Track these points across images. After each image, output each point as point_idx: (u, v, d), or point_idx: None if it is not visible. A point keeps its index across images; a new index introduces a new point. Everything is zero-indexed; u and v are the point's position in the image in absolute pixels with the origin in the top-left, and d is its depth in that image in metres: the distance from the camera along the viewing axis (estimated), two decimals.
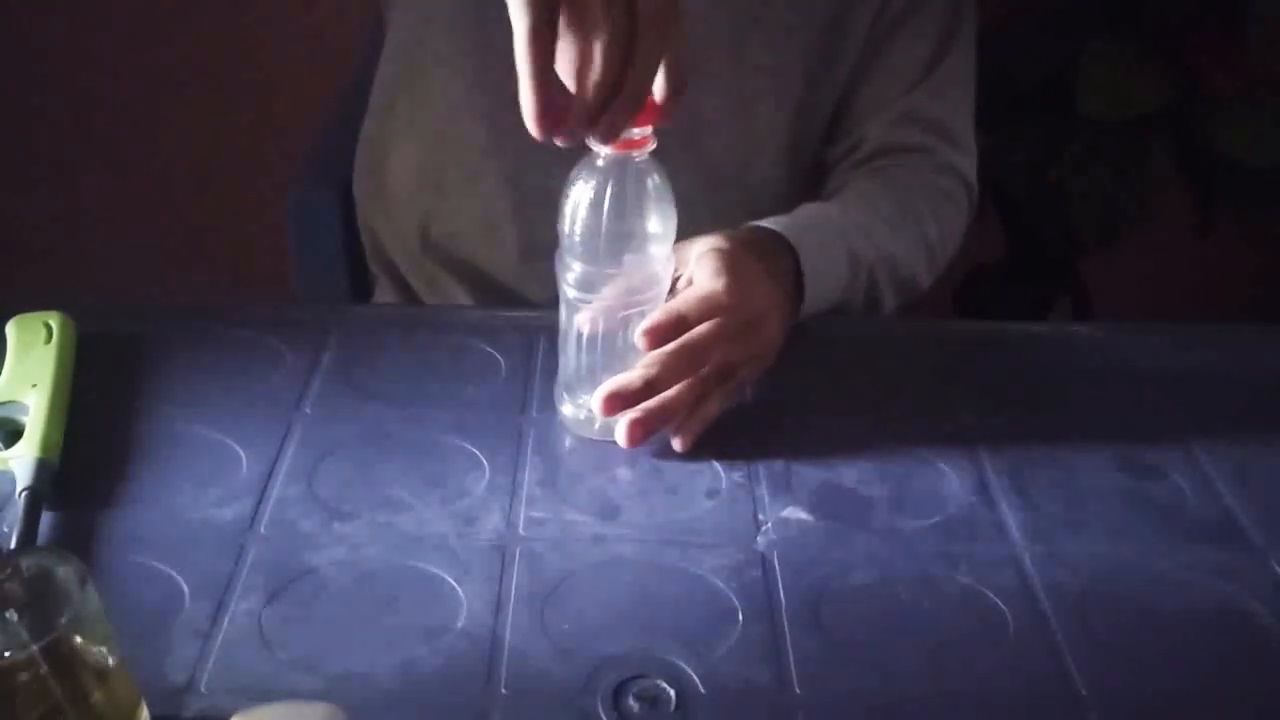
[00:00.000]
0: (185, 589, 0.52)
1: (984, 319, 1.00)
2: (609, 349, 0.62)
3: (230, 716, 0.43)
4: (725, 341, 0.61)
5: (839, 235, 0.74)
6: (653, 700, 0.48)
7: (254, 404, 0.65)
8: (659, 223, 0.59)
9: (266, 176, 1.14)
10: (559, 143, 0.52)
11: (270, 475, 0.59)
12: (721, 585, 0.54)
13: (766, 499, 0.59)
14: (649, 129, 0.55)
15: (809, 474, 0.61)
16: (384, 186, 0.91)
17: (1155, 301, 1.61)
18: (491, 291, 0.89)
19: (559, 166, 0.59)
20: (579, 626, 0.51)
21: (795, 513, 0.58)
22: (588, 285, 0.60)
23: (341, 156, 0.94)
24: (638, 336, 0.60)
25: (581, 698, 0.47)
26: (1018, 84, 1.31)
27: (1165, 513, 0.60)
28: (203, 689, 0.47)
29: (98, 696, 0.41)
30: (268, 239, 1.11)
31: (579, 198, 0.58)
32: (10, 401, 0.60)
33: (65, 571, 0.40)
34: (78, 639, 0.40)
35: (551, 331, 0.65)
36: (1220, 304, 1.68)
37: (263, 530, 0.56)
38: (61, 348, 0.65)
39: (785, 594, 0.53)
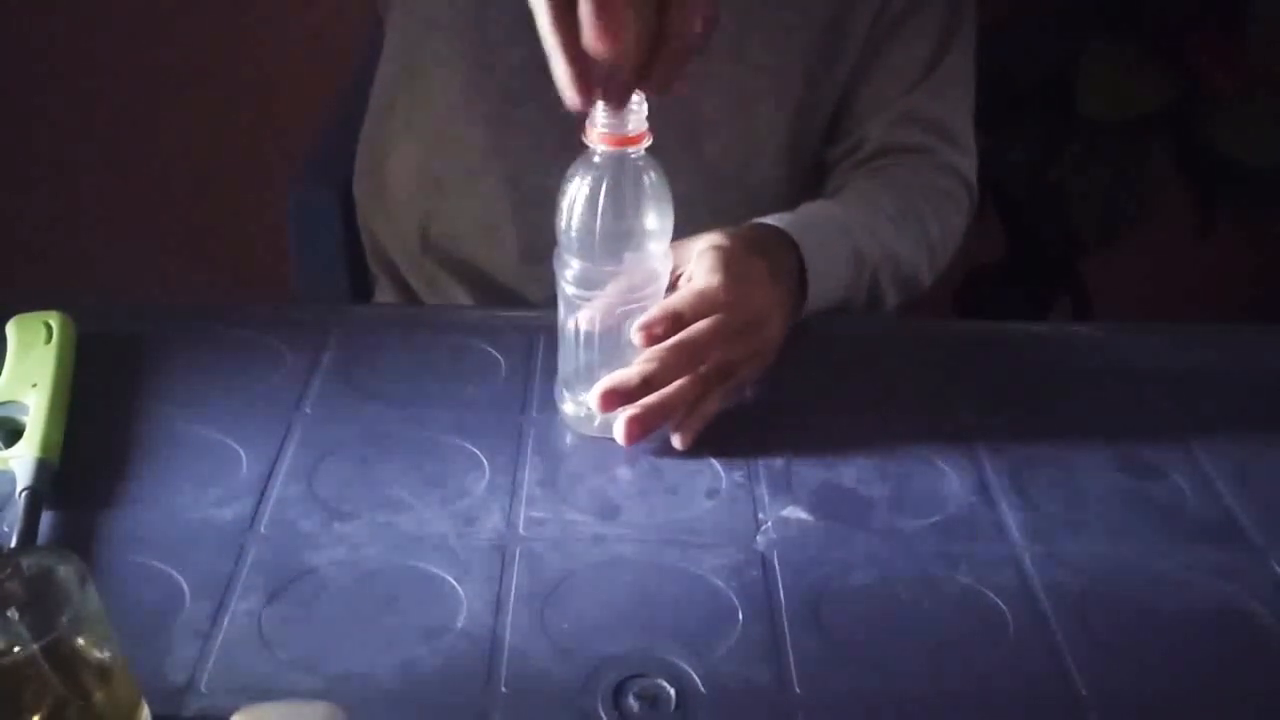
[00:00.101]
0: (185, 589, 0.52)
1: (984, 319, 1.00)
2: (608, 346, 0.62)
3: (230, 716, 0.43)
4: (724, 339, 0.61)
5: (842, 233, 0.74)
6: (653, 700, 0.48)
7: (254, 404, 0.65)
8: (656, 219, 0.59)
9: (266, 176, 1.14)
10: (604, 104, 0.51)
11: (270, 475, 0.59)
12: (721, 585, 0.54)
13: (766, 499, 0.59)
14: (645, 126, 0.56)
15: (809, 474, 0.61)
16: (384, 187, 0.91)
17: (1155, 301, 1.61)
18: (491, 292, 0.89)
19: (559, 167, 0.59)
20: (579, 626, 0.51)
21: (795, 513, 0.58)
22: (586, 282, 0.60)
23: (341, 156, 0.94)
24: (633, 332, 0.60)
25: (581, 698, 0.47)
26: (1018, 84, 1.31)
27: (1165, 513, 0.60)
28: (203, 689, 0.47)
29: (98, 696, 0.41)
30: (268, 239, 1.11)
31: (576, 195, 0.58)
32: (10, 401, 0.60)
33: (65, 571, 0.40)
34: (78, 639, 0.40)
35: (551, 331, 0.65)
36: (1220, 304, 1.68)
37: (263, 530, 0.56)
38: (61, 348, 0.65)
39: (785, 594, 0.53)
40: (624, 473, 0.61)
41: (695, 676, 0.49)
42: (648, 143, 0.56)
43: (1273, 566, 0.56)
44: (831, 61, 0.83)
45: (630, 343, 0.61)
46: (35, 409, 0.60)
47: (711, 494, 0.60)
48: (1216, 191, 1.41)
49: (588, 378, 0.62)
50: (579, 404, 0.63)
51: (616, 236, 0.58)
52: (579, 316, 0.61)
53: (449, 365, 0.69)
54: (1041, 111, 1.34)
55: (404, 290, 0.94)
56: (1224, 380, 0.71)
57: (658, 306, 0.61)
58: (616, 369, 0.60)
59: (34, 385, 0.61)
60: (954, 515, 0.59)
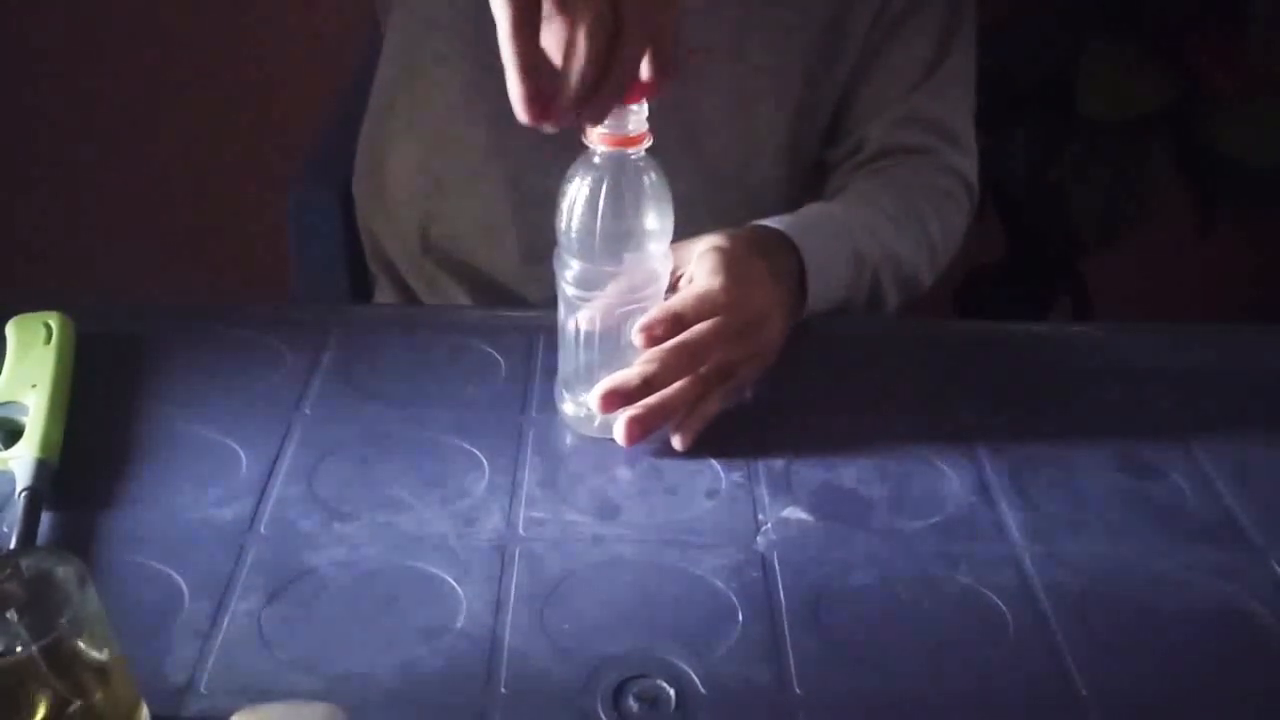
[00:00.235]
0: (185, 589, 0.52)
1: (984, 319, 0.99)
2: (608, 347, 0.62)
3: (230, 716, 0.43)
4: (724, 340, 0.61)
5: (842, 234, 0.74)
6: (653, 700, 0.48)
7: (254, 404, 0.65)
8: (656, 220, 0.59)
9: (266, 176, 1.14)
10: (548, 129, 0.52)
11: (270, 475, 0.59)
12: (721, 585, 0.54)
13: (766, 499, 0.59)
14: (644, 124, 0.56)
15: (809, 474, 0.61)
16: (384, 187, 0.91)
17: (1155, 301, 1.61)
18: (492, 292, 0.89)
19: (559, 167, 0.59)
20: (579, 626, 0.51)
21: (795, 513, 0.58)
22: (586, 283, 0.60)
23: (341, 156, 0.94)
24: (634, 333, 0.60)
25: (581, 698, 0.47)
26: (1018, 84, 1.31)
27: (1165, 513, 0.60)
28: (203, 689, 0.47)
29: (98, 696, 0.41)
30: (268, 239, 1.11)
31: (576, 195, 0.58)
32: (10, 401, 0.60)
33: (65, 572, 0.40)
34: (77, 639, 0.40)
35: (551, 331, 0.65)
36: (1220, 304, 1.68)
37: (263, 530, 0.56)
38: (61, 348, 0.65)
39: (785, 594, 0.53)
40: (624, 473, 0.61)
41: (695, 677, 0.49)
42: (648, 143, 0.56)
43: (1273, 566, 0.56)
44: (831, 62, 0.83)
45: (630, 343, 0.61)
46: (35, 409, 0.60)
47: (711, 494, 0.60)
48: (1216, 191, 1.41)
49: (588, 378, 0.62)
50: (579, 404, 0.63)
51: (616, 237, 0.58)
52: (579, 317, 0.61)
53: (449, 365, 0.69)
54: (1041, 111, 1.34)
55: (404, 291, 0.94)
56: (1224, 380, 0.71)
57: (658, 307, 0.61)
58: (616, 369, 0.60)
59: (34, 385, 0.61)
60: (954, 515, 0.59)
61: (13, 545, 0.52)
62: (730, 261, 0.64)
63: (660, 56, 0.53)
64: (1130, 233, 1.34)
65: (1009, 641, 0.51)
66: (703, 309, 0.61)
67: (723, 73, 0.81)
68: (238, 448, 0.61)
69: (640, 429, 0.60)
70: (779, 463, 0.62)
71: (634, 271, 0.60)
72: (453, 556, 0.54)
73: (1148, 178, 1.32)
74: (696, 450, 0.62)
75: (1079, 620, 0.52)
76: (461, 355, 0.70)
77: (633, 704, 0.47)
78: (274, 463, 0.60)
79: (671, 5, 0.52)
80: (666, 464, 0.62)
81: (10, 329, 0.66)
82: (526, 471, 0.60)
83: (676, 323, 0.60)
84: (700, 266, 0.64)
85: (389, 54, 0.88)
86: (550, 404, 0.65)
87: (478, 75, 0.81)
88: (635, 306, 0.60)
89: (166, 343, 0.70)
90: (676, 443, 0.62)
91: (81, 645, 0.40)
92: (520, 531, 0.56)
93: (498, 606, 0.52)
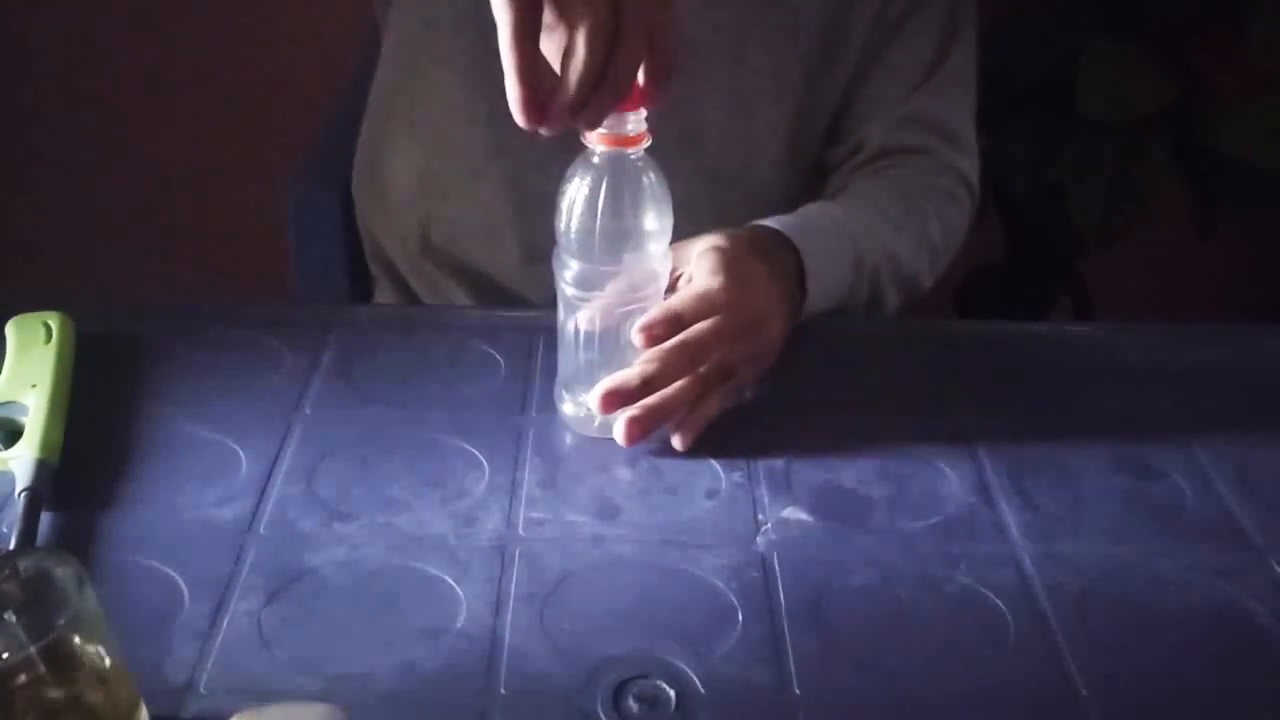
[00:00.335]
0: (185, 589, 0.52)
1: (984, 319, 1.00)
2: (607, 346, 0.62)
3: (230, 716, 0.43)
4: (724, 340, 0.61)
5: (842, 235, 0.74)
6: (653, 700, 0.48)
7: (254, 404, 0.65)
8: (655, 220, 0.59)
9: (266, 176, 1.14)
10: (545, 133, 0.52)
11: (270, 475, 0.59)
12: (721, 585, 0.54)
13: (766, 499, 0.59)
14: (643, 125, 0.56)
15: (809, 474, 0.61)
16: (383, 190, 0.91)
17: (1155, 301, 1.61)
18: (492, 293, 0.89)
19: (559, 169, 0.59)
20: (579, 627, 0.51)
21: (795, 513, 0.58)
22: (585, 283, 0.60)
23: (341, 156, 0.94)
24: (634, 333, 0.60)
25: (581, 698, 0.47)
26: (1018, 84, 1.31)
27: (1165, 513, 0.60)
28: (202, 689, 0.47)
29: (97, 697, 0.41)
30: (268, 239, 1.11)
31: (576, 196, 0.58)
32: (10, 401, 0.60)
33: (63, 572, 0.40)
34: (76, 640, 0.40)
35: (551, 331, 0.65)
36: (1220, 304, 1.68)
37: (263, 530, 0.56)
38: (61, 348, 0.65)
39: (785, 594, 0.53)
40: (624, 473, 0.61)
41: (695, 677, 0.49)
42: (647, 143, 0.56)
43: (1273, 566, 0.56)
44: (832, 62, 0.83)
45: (630, 343, 0.61)
46: (35, 409, 0.60)
47: (711, 494, 0.60)
48: (1216, 191, 1.41)
49: (588, 378, 0.62)
50: (579, 404, 0.63)
51: (616, 237, 0.58)
52: (579, 317, 0.61)
53: (449, 365, 0.69)
54: (1041, 111, 1.34)
55: (404, 291, 0.94)
56: (1224, 380, 0.71)
57: (658, 307, 0.61)
58: (616, 369, 0.60)
59: (34, 385, 0.61)
60: (954, 515, 0.59)
61: (12, 545, 0.52)
62: (730, 261, 0.64)
63: (658, 63, 0.53)
64: (1130, 233, 1.34)
65: (1009, 641, 0.51)
66: (702, 309, 0.61)
67: (723, 73, 0.81)
68: (238, 448, 0.61)
69: (640, 429, 0.60)
70: (779, 463, 0.62)
71: (633, 271, 0.60)
72: (453, 556, 0.54)
73: (1148, 178, 1.32)
74: (696, 450, 0.62)
75: (1079, 620, 0.52)
76: (461, 355, 0.70)
77: (633, 704, 0.47)
78: (274, 463, 0.60)
79: (668, 11, 0.52)
80: (666, 464, 0.62)
81: (10, 329, 0.66)
82: (526, 471, 0.60)
83: (676, 323, 0.60)
84: (700, 266, 0.64)
85: (388, 54, 0.88)
86: (550, 404, 0.65)
87: (477, 75, 0.81)
88: (635, 306, 0.60)
89: (166, 343, 0.70)
90: (676, 443, 0.62)
91: (80, 646, 0.40)
92: (520, 531, 0.56)
93: (498, 606, 0.52)
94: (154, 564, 0.53)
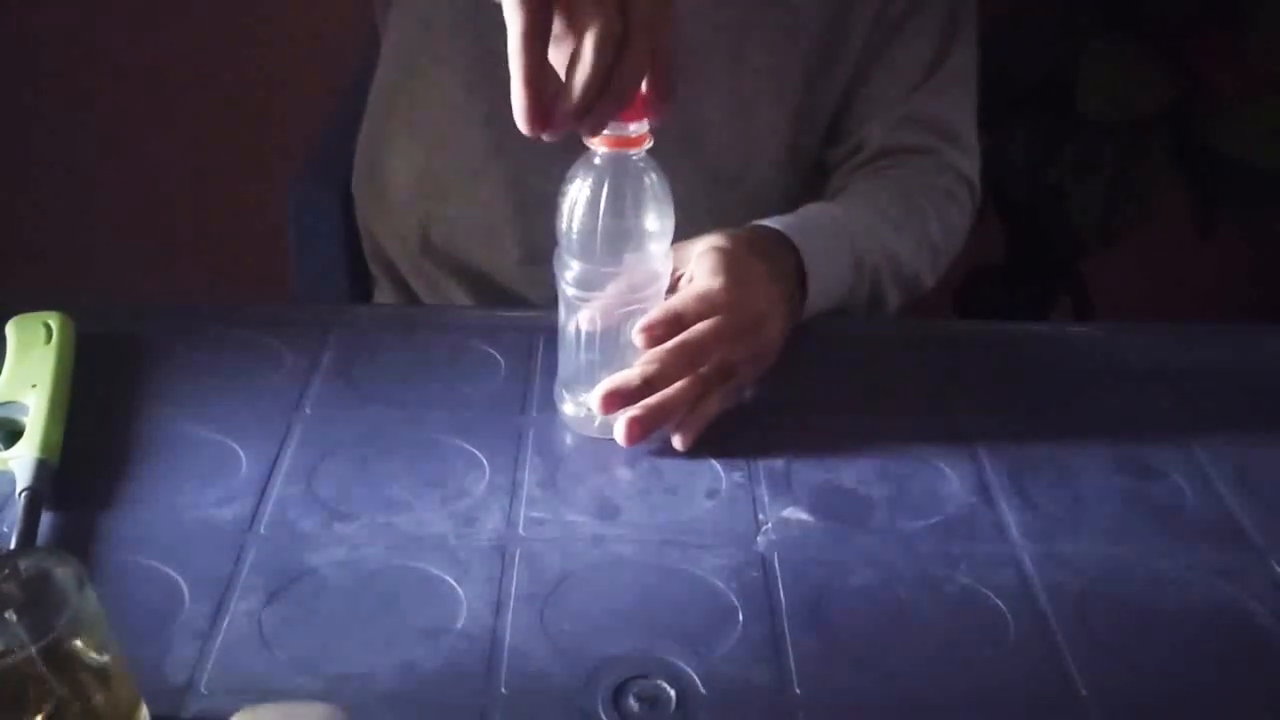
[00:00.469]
0: (185, 589, 0.52)
1: (984, 319, 1.00)
2: (608, 347, 0.62)
3: (230, 716, 0.43)
4: (725, 340, 0.61)
5: (842, 235, 0.74)
6: (653, 700, 0.48)
7: (254, 404, 0.65)
8: (656, 220, 0.59)
9: (266, 176, 1.14)
10: (546, 138, 0.52)
11: (270, 475, 0.59)
12: (721, 585, 0.54)
13: (766, 499, 0.59)
14: (644, 127, 0.56)
15: (809, 474, 0.61)
16: (383, 189, 0.91)
17: (1155, 301, 1.61)
18: (492, 293, 0.89)
19: (559, 169, 0.59)
20: (579, 627, 0.51)
21: (795, 513, 0.58)
22: (586, 284, 0.60)
23: (341, 156, 0.94)
24: (635, 333, 0.60)
25: (581, 698, 0.47)
26: (1018, 84, 1.31)
27: (1165, 513, 0.60)
28: (203, 689, 0.47)
29: (97, 697, 0.41)
30: (268, 239, 1.11)
31: (576, 196, 0.58)
32: (10, 401, 0.60)
33: (63, 572, 0.40)
34: (76, 640, 0.40)
35: (551, 332, 0.65)
36: (1220, 304, 1.68)
37: (263, 530, 0.56)
38: (61, 348, 0.65)
39: (785, 594, 0.53)
40: (624, 473, 0.61)
41: (695, 677, 0.49)
42: (648, 144, 0.56)
43: (1273, 566, 0.56)
44: (832, 63, 0.83)
45: (631, 344, 0.61)
46: (35, 409, 0.60)
47: (711, 494, 0.60)
48: (1216, 191, 1.41)
49: (588, 378, 0.62)
50: (579, 404, 0.63)
51: (617, 238, 0.58)
52: (579, 317, 0.61)
53: (449, 365, 0.69)
54: (1041, 111, 1.34)
55: (404, 291, 0.94)
56: (1224, 380, 0.71)
57: (659, 308, 0.61)
58: (617, 370, 0.60)
59: (34, 385, 0.61)
60: (954, 515, 0.59)
61: (12, 545, 0.52)
62: (730, 262, 0.64)
63: (662, 79, 0.53)
64: (1130, 233, 1.34)
65: (1009, 641, 0.51)
66: (703, 309, 0.61)
67: (723, 73, 0.81)
68: (238, 448, 0.61)
69: (641, 429, 0.60)
70: (779, 463, 0.62)
71: (634, 272, 0.60)
72: (453, 556, 0.54)
73: (1148, 178, 1.32)
74: (696, 450, 0.62)
75: (1079, 620, 0.52)
76: (461, 355, 0.70)
77: (633, 704, 0.47)
78: (274, 463, 0.60)
79: (669, 19, 0.52)
80: (666, 464, 0.62)
81: (10, 329, 0.66)
82: (526, 471, 0.60)
83: (676, 323, 0.60)
84: (700, 266, 0.64)
85: (388, 54, 0.88)
86: (550, 404, 0.65)
87: (477, 75, 0.81)
88: (635, 307, 0.60)
89: (166, 343, 0.70)
90: (677, 443, 0.62)
91: (80, 646, 0.40)
92: (520, 531, 0.56)
93: (498, 606, 0.52)
94: (154, 564, 0.53)
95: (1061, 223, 1.36)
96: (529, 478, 0.60)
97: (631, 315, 0.60)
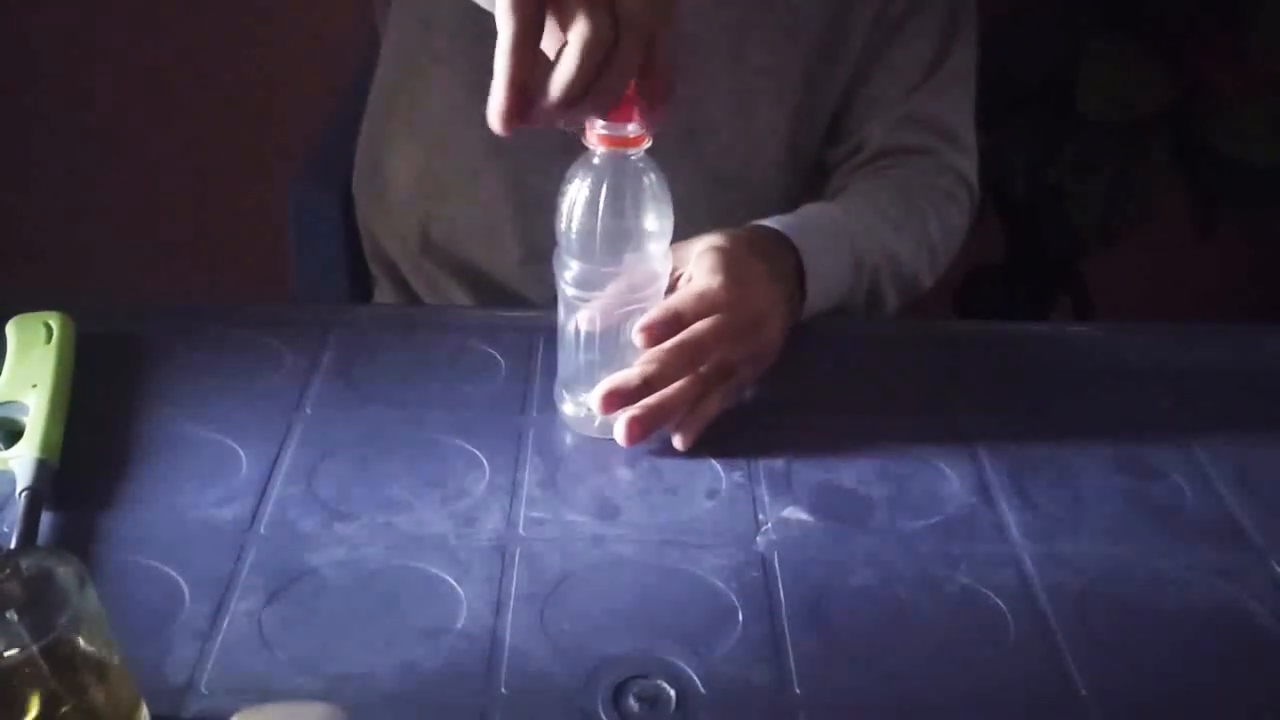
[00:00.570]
0: (185, 589, 0.52)
1: (984, 319, 1.00)
2: (608, 347, 0.62)
3: (230, 716, 0.43)
4: (724, 340, 0.61)
5: (842, 235, 0.74)
6: (653, 700, 0.48)
7: (254, 404, 0.65)
8: (656, 220, 0.59)
9: (266, 176, 1.14)
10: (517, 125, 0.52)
11: (270, 475, 0.59)
12: (721, 585, 0.54)
13: (766, 499, 0.59)
14: (644, 129, 0.56)
15: (809, 474, 0.61)
16: (383, 188, 0.91)
17: (1155, 301, 1.61)
18: (492, 293, 0.89)
19: (559, 169, 0.59)
20: (579, 627, 0.51)
21: (795, 513, 0.58)
22: (586, 284, 0.60)
23: (341, 156, 0.94)
24: (634, 333, 0.60)
25: (581, 698, 0.47)
26: (1018, 84, 1.31)
27: (1165, 513, 0.60)
28: (203, 689, 0.47)
29: (98, 697, 0.41)
30: (268, 239, 1.11)
31: (575, 196, 0.58)
32: (10, 401, 0.60)
33: (64, 572, 0.40)
34: (77, 639, 0.40)
35: (551, 332, 0.65)
36: (1220, 304, 1.68)
37: (263, 530, 0.56)
38: (61, 348, 0.65)
39: (785, 594, 0.53)
40: (624, 473, 0.61)
41: (695, 677, 0.49)
42: (648, 144, 0.56)
43: (1273, 566, 0.56)
44: (832, 62, 0.83)
45: (630, 343, 0.61)
46: (35, 409, 0.60)
47: (711, 494, 0.60)
48: (1216, 191, 1.41)
49: (588, 378, 0.62)
50: (579, 404, 0.63)
51: (616, 237, 0.58)
52: (579, 317, 0.61)
53: (449, 365, 0.69)
54: (1041, 111, 1.34)
55: (404, 291, 0.94)
56: (1224, 380, 0.71)
57: (658, 307, 0.61)
58: (617, 370, 0.60)
59: (34, 385, 0.61)
60: (954, 515, 0.59)
61: (13, 545, 0.52)
62: (730, 261, 0.64)
63: (657, 83, 0.53)
64: (1130, 233, 1.34)
65: (1009, 641, 0.51)
66: (702, 308, 0.61)
67: (723, 73, 0.81)
68: (238, 448, 0.61)
69: (641, 429, 0.60)
70: (779, 463, 0.62)
71: (634, 272, 0.60)
72: (453, 556, 0.54)
73: (1148, 178, 1.32)
74: (696, 450, 0.62)
75: (1079, 620, 0.52)
76: (461, 355, 0.70)
77: (633, 704, 0.47)
78: (274, 463, 0.60)
79: (669, 19, 0.52)
80: (666, 464, 0.62)
81: (10, 329, 0.66)
82: (526, 471, 0.60)
83: (676, 322, 0.60)
84: (700, 266, 0.64)
85: (388, 54, 0.88)
86: (550, 404, 0.65)
87: (477, 75, 0.81)
88: (635, 307, 0.60)
89: (166, 343, 0.70)
90: (677, 442, 0.62)
91: (81, 645, 0.40)
92: (520, 531, 0.56)
93: (498, 606, 0.52)
94: (154, 564, 0.53)
95: (1061, 223, 1.36)
96: (529, 478, 0.60)
97: (631, 315, 0.60)
